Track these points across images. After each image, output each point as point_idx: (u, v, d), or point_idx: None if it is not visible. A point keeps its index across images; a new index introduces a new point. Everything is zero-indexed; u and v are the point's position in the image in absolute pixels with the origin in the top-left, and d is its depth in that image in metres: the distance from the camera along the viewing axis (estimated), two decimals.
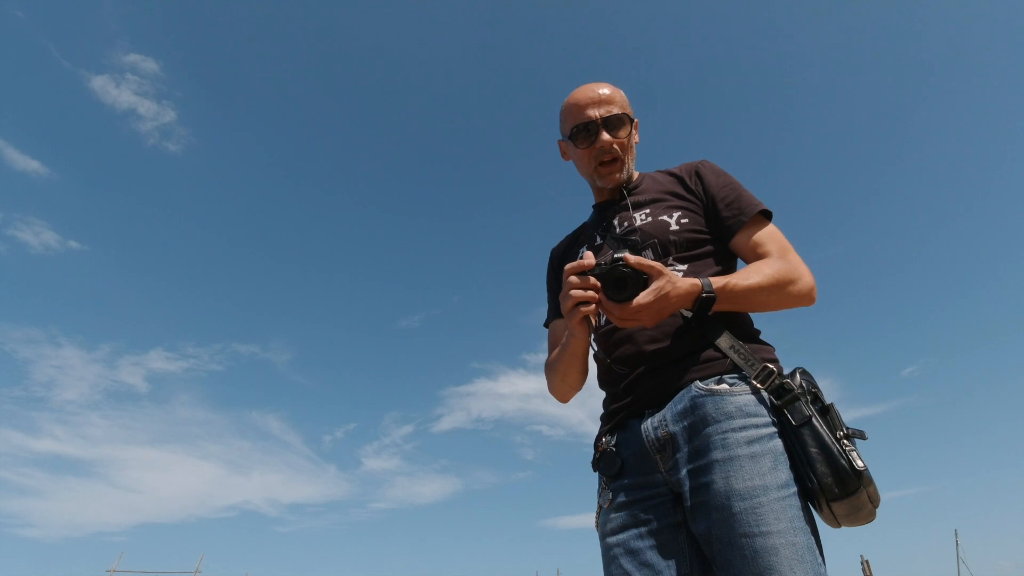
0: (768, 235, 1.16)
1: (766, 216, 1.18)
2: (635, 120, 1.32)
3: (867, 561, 15.04)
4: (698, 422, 0.97)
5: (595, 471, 1.14)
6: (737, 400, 0.97)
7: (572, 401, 1.35)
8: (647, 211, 1.23)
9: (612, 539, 1.02)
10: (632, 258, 0.98)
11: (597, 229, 1.30)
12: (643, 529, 0.98)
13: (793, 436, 0.93)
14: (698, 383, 1.01)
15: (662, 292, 0.95)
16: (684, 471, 0.96)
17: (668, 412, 1.02)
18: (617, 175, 1.28)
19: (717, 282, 1.02)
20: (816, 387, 0.99)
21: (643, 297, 0.95)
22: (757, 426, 0.94)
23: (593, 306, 0.99)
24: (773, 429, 0.95)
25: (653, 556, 0.96)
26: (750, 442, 0.92)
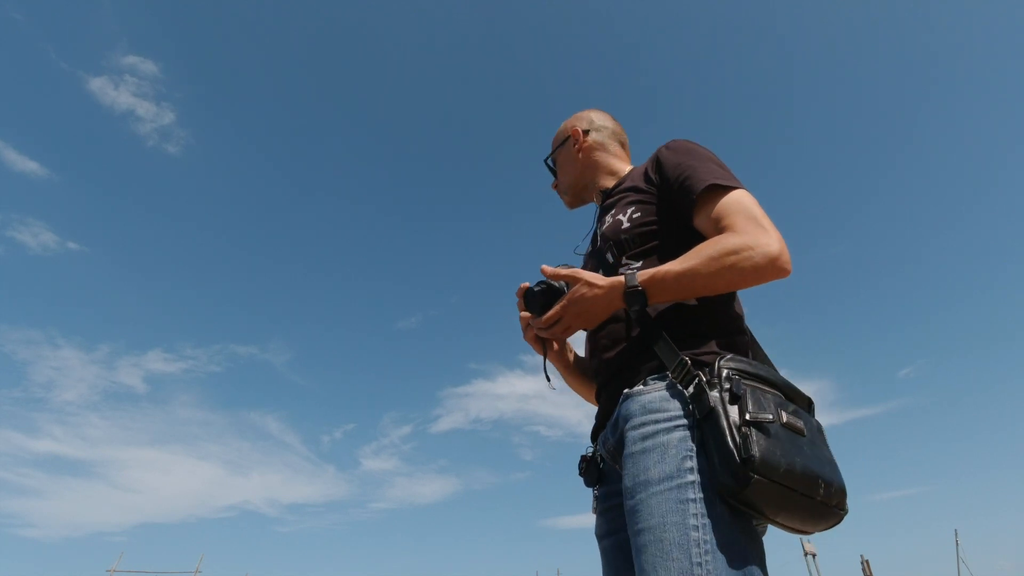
0: (725, 208, 0.98)
1: (720, 188, 1.01)
2: (574, 129, 1.38)
3: (867, 561, 15.07)
4: (621, 427, 0.95)
5: (580, 477, 1.16)
6: (642, 398, 0.92)
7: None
8: (612, 212, 1.17)
9: (600, 542, 1.06)
10: (550, 270, 1.04)
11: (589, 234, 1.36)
12: (618, 536, 1.01)
13: (705, 429, 0.84)
14: (627, 390, 0.97)
15: (576, 295, 1.00)
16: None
17: (611, 422, 1.02)
18: (567, 201, 1.44)
19: (644, 274, 0.95)
20: (741, 373, 0.87)
21: (556, 307, 1.01)
22: (657, 421, 0.88)
23: (531, 329, 1.11)
24: (677, 423, 0.86)
25: (620, 561, 0.99)
26: (644, 438, 0.88)
